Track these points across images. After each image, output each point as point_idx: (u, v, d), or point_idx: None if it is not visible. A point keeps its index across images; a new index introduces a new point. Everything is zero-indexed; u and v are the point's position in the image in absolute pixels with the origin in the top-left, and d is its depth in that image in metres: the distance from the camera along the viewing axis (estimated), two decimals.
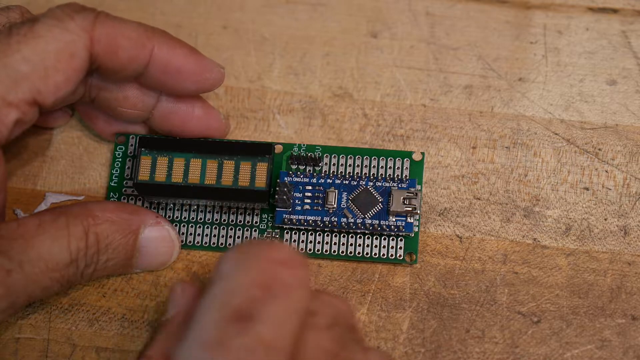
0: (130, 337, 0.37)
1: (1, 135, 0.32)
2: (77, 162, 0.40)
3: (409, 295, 0.37)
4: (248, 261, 0.28)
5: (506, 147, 0.39)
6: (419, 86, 0.40)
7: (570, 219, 0.38)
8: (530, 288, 0.37)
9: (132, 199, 0.38)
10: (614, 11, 0.41)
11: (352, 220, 0.36)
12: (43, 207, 0.39)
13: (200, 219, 0.38)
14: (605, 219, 0.38)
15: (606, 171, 0.38)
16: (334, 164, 0.38)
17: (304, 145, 0.38)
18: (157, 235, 0.36)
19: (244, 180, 0.36)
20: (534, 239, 0.37)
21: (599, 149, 0.39)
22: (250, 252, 0.28)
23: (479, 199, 0.38)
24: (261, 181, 0.36)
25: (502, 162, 0.39)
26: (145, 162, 0.37)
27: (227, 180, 0.36)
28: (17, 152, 0.40)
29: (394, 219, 0.36)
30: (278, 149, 0.38)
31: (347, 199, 0.37)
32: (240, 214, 0.38)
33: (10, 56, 0.32)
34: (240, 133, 0.40)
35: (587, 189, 0.38)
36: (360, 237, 0.37)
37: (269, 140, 0.39)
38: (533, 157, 0.39)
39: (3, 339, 0.37)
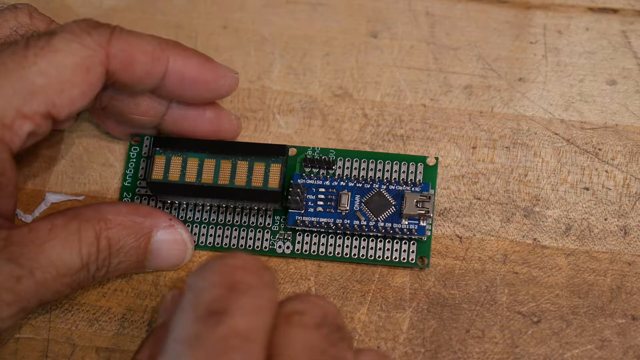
0: (130, 337, 0.37)
1: (14, 146, 0.33)
2: (77, 162, 0.40)
3: (409, 295, 0.37)
4: (210, 269, 0.29)
5: (506, 147, 0.39)
6: (419, 86, 0.40)
7: (570, 219, 0.38)
8: (530, 288, 0.37)
9: (145, 199, 0.39)
10: (614, 11, 0.41)
11: (365, 223, 0.37)
12: (43, 207, 0.39)
13: (213, 219, 0.38)
14: (605, 219, 0.38)
15: (606, 171, 0.38)
16: (347, 167, 0.38)
17: (317, 148, 0.38)
18: (170, 238, 0.36)
19: (257, 181, 0.37)
20: (534, 239, 0.37)
21: (599, 149, 0.39)
22: (212, 262, 0.29)
23: (479, 199, 0.38)
24: (274, 182, 0.36)
25: (502, 162, 0.39)
26: (159, 161, 0.37)
27: (240, 180, 0.37)
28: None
29: (406, 222, 0.36)
30: (292, 152, 0.39)
31: (360, 202, 0.37)
32: (253, 215, 0.38)
33: (27, 68, 0.32)
34: (240, 133, 0.40)
35: (587, 189, 0.38)
36: (372, 240, 0.37)
37: (269, 140, 0.40)
38: (533, 157, 0.39)
39: (3, 339, 0.37)
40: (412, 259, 0.37)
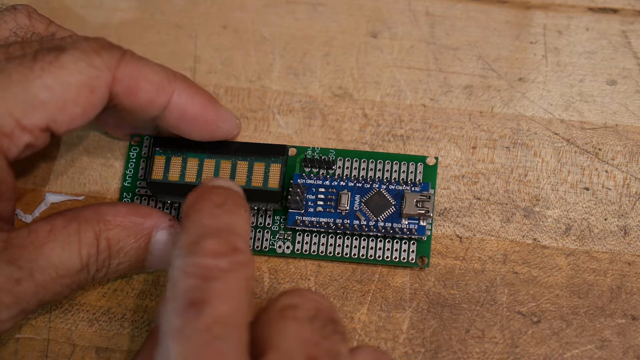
0: (130, 337, 0.37)
1: (11, 155, 0.33)
2: (77, 162, 0.40)
3: (409, 295, 0.37)
4: (180, 262, 0.30)
5: (506, 147, 0.39)
6: (419, 86, 0.40)
7: (570, 219, 0.38)
8: (530, 288, 0.37)
9: (145, 199, 0.39)
10: (614, 11, 0.41)
11: (365, 223, 0.36)
12: (43, 207, 0.39)
13: None
14: (605, 219, 0.38)
15: (606, 171, 0.38)
16: (347, 167, 0.38)
17: (317, 148, 0.38)
18: (170, 239, 0.36)
19: (257, 181, 0.37)
20: (534, 239, 0.37)
21: (599, 149, 0.39)
22: (183, 248, 0.30)
23: (479, 199, 0.38)
24: (274, 182, 0.37)
25: (502, 162, 0.39)
26: (159, 161, 0.37)
27: (240, 180, 0.37)
28: None
29: (406, 222, 0.36)
30: (292, 152, 0.39)
31: (360, 202, 0.37)
32: (253, 215, 0.38)
33: (32, 81, 0.32)
34: (240, 133, 0.39)
35: (587, 189, 0.38)
36: (372, 240, 0.37)
37: (269, 140, 0.40)
38: (533, 157, 0.39)
39: (3, 339, 0.37)
40: (412, 259, 0.37)
